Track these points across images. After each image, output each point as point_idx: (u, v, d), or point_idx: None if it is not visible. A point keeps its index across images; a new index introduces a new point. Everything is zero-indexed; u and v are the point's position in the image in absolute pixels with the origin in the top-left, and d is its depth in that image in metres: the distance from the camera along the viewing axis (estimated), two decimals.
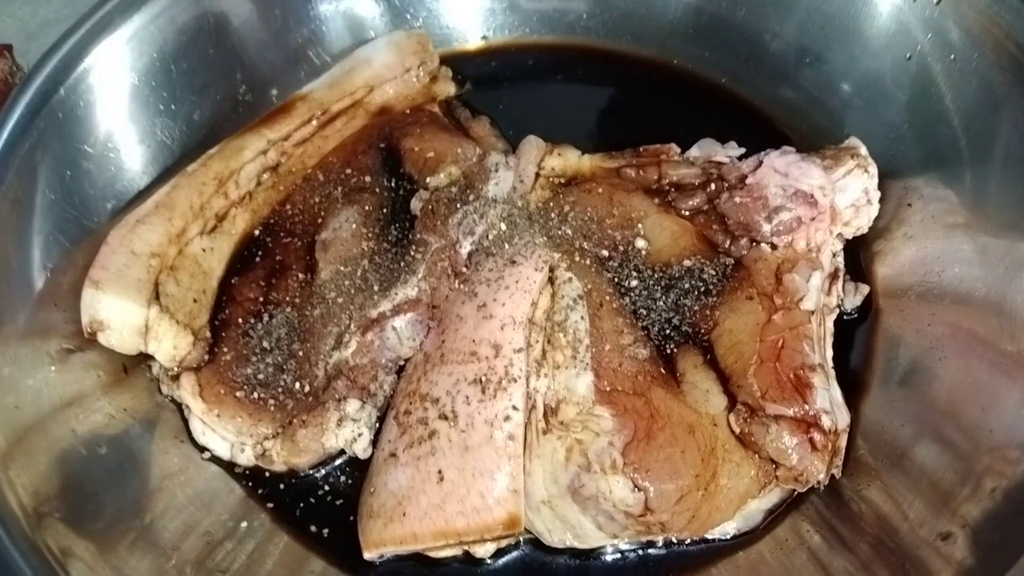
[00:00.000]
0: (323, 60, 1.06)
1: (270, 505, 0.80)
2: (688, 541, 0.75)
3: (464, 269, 0.82)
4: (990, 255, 0.82)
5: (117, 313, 0.79)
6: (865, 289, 0.87)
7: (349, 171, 0.95)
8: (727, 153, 0.91)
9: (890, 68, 0.91)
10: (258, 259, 0.90)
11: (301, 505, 0.80)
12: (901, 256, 0.89)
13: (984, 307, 0.80)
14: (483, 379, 0.73)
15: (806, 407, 0.73)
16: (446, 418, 0.73)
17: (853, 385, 0.84)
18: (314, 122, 0.97)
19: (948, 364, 0.81)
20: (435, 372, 0.76)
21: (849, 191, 0.85)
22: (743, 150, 0.91)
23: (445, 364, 0.76)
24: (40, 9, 1.29)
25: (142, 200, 0.87)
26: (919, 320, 0.85)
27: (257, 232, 0.92)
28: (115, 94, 0.91)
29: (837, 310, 0.85)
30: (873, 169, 0.86)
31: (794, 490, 0.76)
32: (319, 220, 0.92)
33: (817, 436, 0.72)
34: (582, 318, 0.77)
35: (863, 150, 0.87)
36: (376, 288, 0.83)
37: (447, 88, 1.05)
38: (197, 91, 0.97)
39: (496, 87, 1.09)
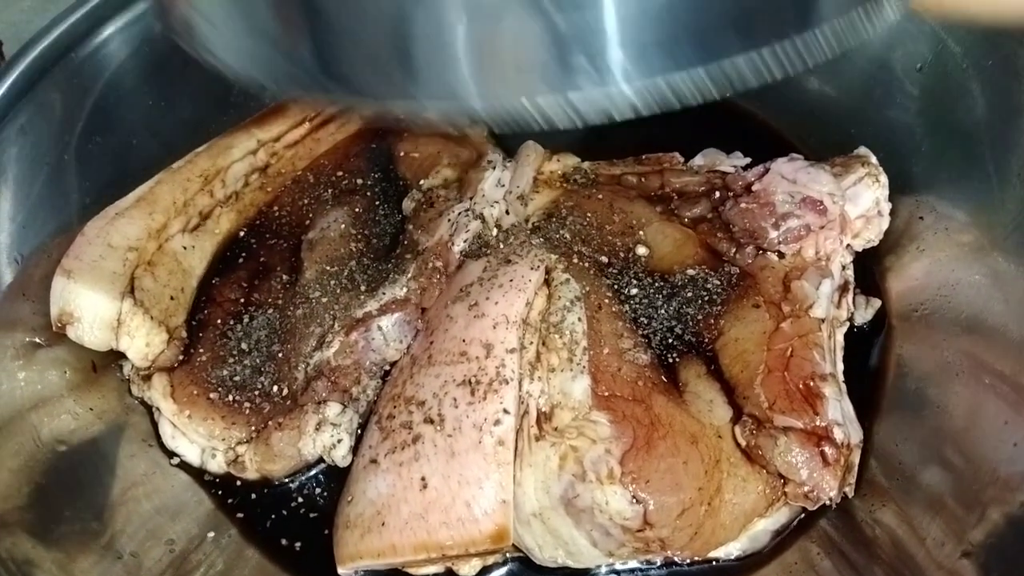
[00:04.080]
0: None
1: (240, 516, 0.75)
2: (689, 562, 0.70)
3: (456, 268, 0.78)
4: (1004, 279, 0.78)
5: (88, 305, 0.74)
6: (877, 303, 0.83)
7: (340, 173, 0.92)
8: (732, 163, 0.88)
9: (900, 78, 0.89)
10: (241, 260, 0.86)
11: (273, 517, 0.75)
12: (913, 271, 0.85)
13: (998, 336, 0.76)
14: (473, 380, 0.69)
15: (817, 419, 0.68)
16: (432, 422, 0.68)
17: (864, 404, 0.79)
18: (306, 124, 0.94)
19: (961, 393, 0.76)
20: (422, 374, 0.72)
21: (860, 201, 0.81)
22: (748, 160, 0.88)
23: (433, 365, 0.72)
24: (36, 16, 1.27)
25: (123, 195, 0.84)
26: (932, 341, 0.81)
27: (242, 233, 0.88)
28: (102, 86, 0.88)
29: (847, 324, 0.81)
30: (884, 179, 0.83)
31: (803, 510, 0.71)
32: (307, 222, 0.88)
33: (829, 450, 0.67)
34: (579, 320, 0.73)
35: (873, 159, 0.84)
36: (363, 288, 0.79)
37: None
38: (188, 90, 0.94)
39: None
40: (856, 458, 0.71)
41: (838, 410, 0.70)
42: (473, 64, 0.36)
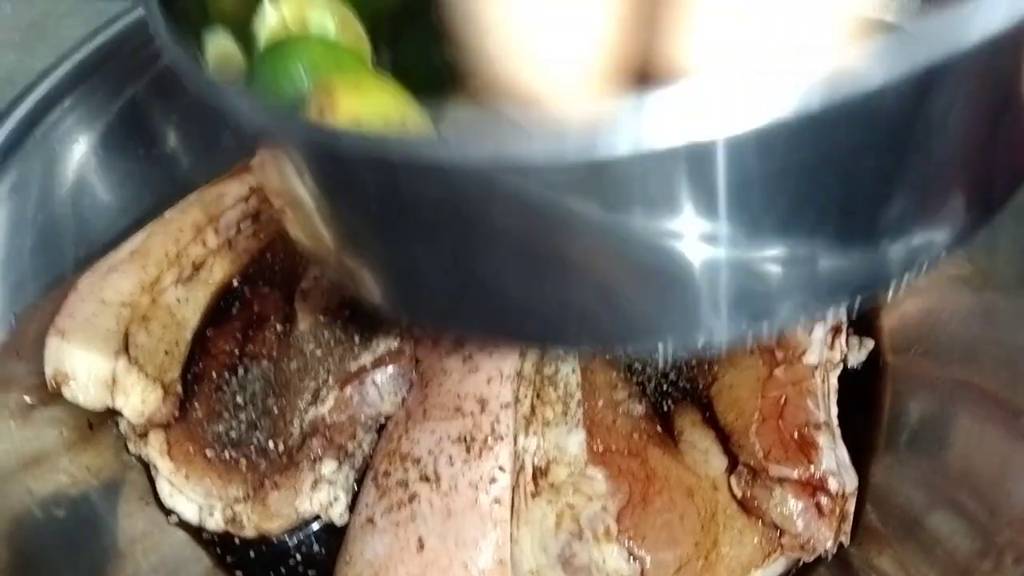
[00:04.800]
0: None
1: (239, 574, 0.75)
2: None
3: None
4: (997, 310, 0.78)
5: (83, 364, 0.74)
6: (870, 343, 0.83)
7: None
8: None
9: None
10: (235, 310, 0.86)
11: (271, 574, 0.75)
12: (906, 308, 0.86)
13: (994, 365, 0.76)
14: (468, 437, 0.69)
15: (811, 468, 0.68)
16: (428, 480, 0.68)
17: (859, 446, 0.79)
18: None
19: (960, 426, 0.76)
20: (417, 429, 0.72)
21: None
22: None
23: (428, 421, 0.72)
24: (26, 56, 1.27)
25: (115, 247, 0.84)
26: (928, 377, 0.81)
27: (235, 282, 0.88)
28: (91, 137, 0.89)
29: (841, 365, 0.81)
30: None
31: (800, 559, 0.71)
32: (299, 269, 0.88)
33: (824, 500, 0.68)
34: (573, 371, 0.73)
35: None
36: (357, 340, 0.79)
37: None
38: (178, 136, 0.95)
39: None
40: (851, 507, 0.71)
41: (832, 459, 0.70)
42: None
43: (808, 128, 0.29)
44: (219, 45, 0.49)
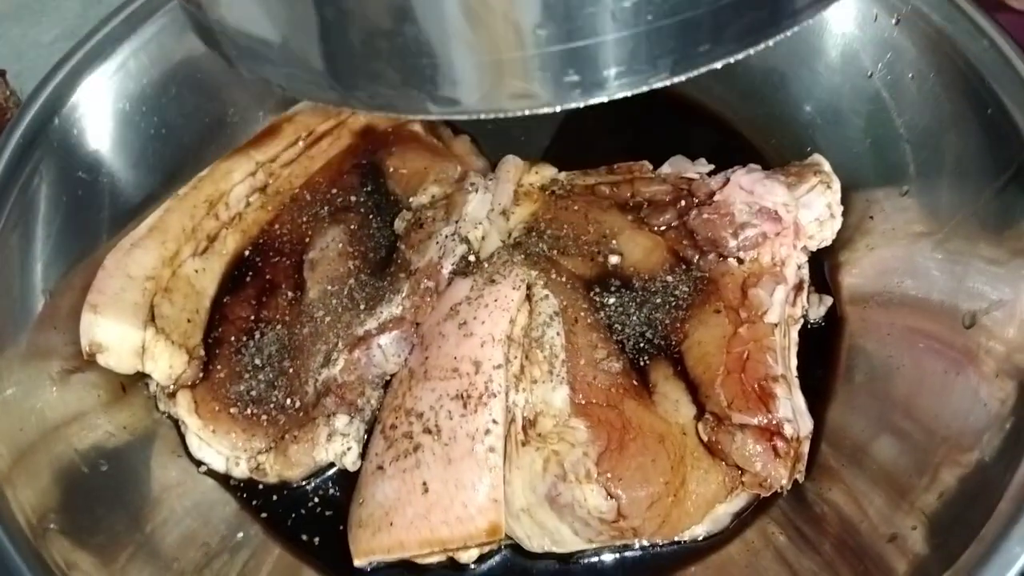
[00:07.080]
0: None
1: (264, 515, 0.84)
2: (661, 543, 0.79)
3: (445, 288, 0.86)
4: (944, 261, 0.86)
5: (115, 336, 0.82)
6: (828, 300, 0.91)
7: (335, 190, 0.98)
8: (697, 170, 0.95)
9: (850, 87, 0.95)
10: (249, 278, 0.94)
11: (293, 516, 0.84)
12: (864, 266, 0.93)
13: (938, 308, 0.85)
14: (464, 395, 0.77)
15: (769, 416, 0.77)
16: (430, 432, 0.77)
17: (817, 391, 0.88)
18: (300, 143, 1.01)
19: (905, 361, 0.85)
20: (419, 387, 0.80)
21: (813, 207, 0.89)
22: (712, 167, 0.95)
23: (428, 380, 0.80)
24: (30, 29, 1.32)
25: (136, 223, 0.91)
26: (880, 327, 0.90)
27: (247, 252, 0.95)
28: (107, 120, 0.94)
29: (802, 320, 0.89)
30: (836, 184, 0.90)
31: (759, 495, 0.81)
32: (307, 239, 0.95)
33: (779, 444, 0.76)
34: (558, 334, 0.81)
35: (826, 166, 0.91)
36: (362, 307, 0.87)
37: None
38: (186, 115, 1.00)
39: None
40: (806, 448, 0.81)
41: (788, 408, 0.78)
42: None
43: None
44: None
